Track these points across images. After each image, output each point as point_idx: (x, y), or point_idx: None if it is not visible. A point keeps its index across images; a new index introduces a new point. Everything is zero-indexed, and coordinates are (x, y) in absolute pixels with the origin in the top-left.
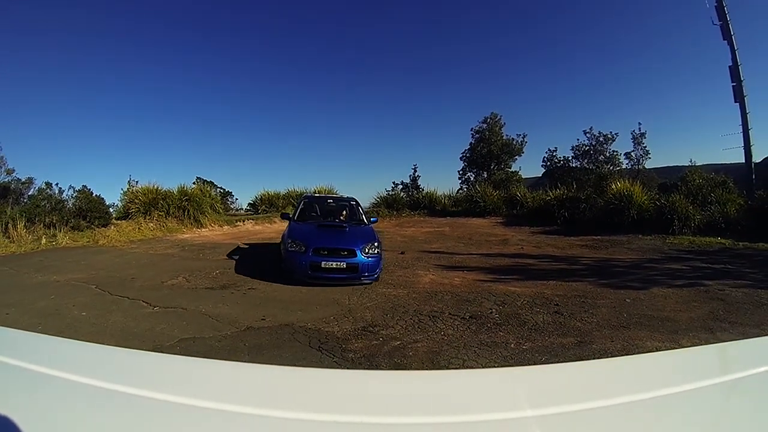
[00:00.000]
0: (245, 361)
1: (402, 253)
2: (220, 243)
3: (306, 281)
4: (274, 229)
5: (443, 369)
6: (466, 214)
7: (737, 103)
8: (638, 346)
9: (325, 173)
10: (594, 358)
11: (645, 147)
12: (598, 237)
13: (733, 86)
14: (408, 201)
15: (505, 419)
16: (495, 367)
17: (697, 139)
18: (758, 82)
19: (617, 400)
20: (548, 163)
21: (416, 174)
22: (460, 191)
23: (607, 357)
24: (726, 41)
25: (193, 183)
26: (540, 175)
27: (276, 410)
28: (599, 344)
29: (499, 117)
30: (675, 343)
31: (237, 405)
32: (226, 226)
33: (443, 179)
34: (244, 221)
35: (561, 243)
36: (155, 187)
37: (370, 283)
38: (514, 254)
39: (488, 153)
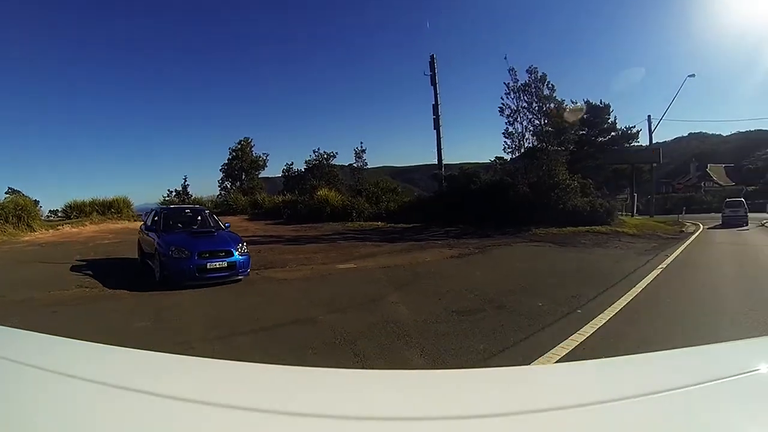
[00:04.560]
0: (245, 362)
1: None
2: (63, 242)
3: (191, 284)
4: (91, 230)
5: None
6: (223, 213)
7: (435, 130)
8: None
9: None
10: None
11: (365, 159)
12: (306, 225)
13: (434, 118)
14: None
15: (505, 419)
16: (494, 367)
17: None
18: (448, 116)
19: (617, 400)
20: (287, 173)
21: (186, 183)
22: (219, 196)
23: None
24: (432, 87)
25: (6, 193)
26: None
27: (276, 410)
28: (293, 256)
29: (250, 140)
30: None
31: (237, 404)
32: (51, 230)
33: (208, 187)
34: (63, 225)
35: (280, 229)
36: None
37: (245, 277)
38: (247, 236)
39: (240, 167)
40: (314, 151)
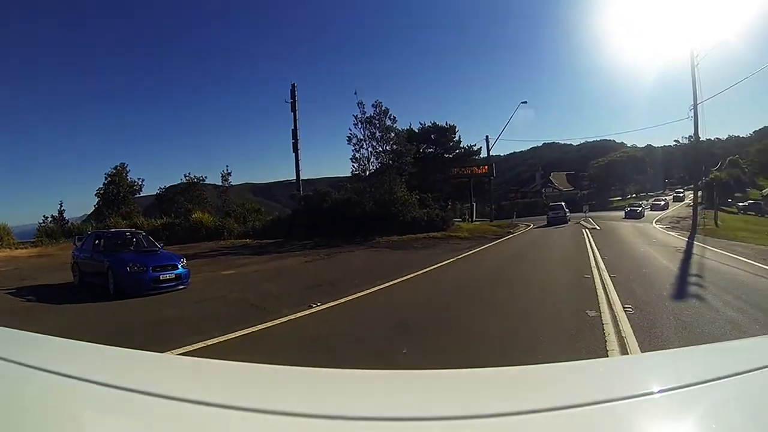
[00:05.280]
0: (246, 362)
1: None
2: None
3: (146, 294)
4: None
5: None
6: None
7: (294, 153)
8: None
9: None
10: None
11: (230, 182)
12: (185, 244)
13: (293, 142)
14: None
15: (505, 419)
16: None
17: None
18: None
19: (617, 400)
20: (162, 197)
21: (62, 209)
22: (96, 220)
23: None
24: (292, 113)
25: None
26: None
27: (276, 410)
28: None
29: (126, 165)
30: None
31: (237, 404)
32: None
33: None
34: None
35: None
36: None
37: (186, 286)
38: None
39: (117, 192)
40: (185, 176)
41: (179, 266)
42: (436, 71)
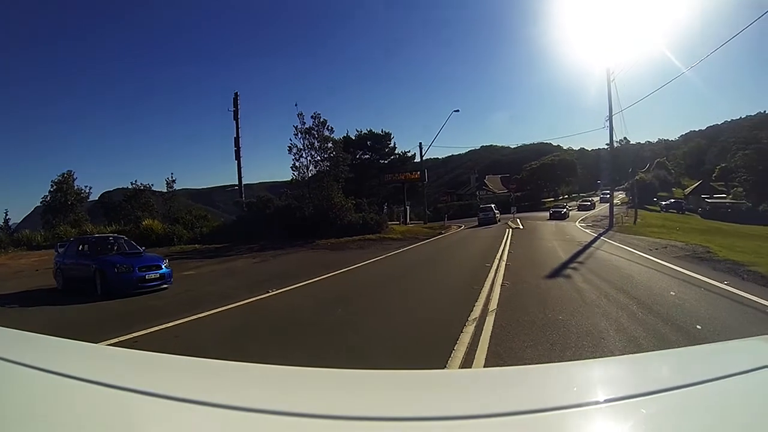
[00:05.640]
0: (245, 362)
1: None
2: None
3: (134, 292)
4: None
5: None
6: (53, 247)
7: (236, 161)
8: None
9: None
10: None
11: (174, 189)
12: None
13: (235, 150)
14: None
15: (504, 419)
16: (494, 367)
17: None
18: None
19: (617, 400)
20: (107, 204)
21: (7, 217)
22: (44, 228)
23: None
24: (234, 121)
25: None
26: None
27: (276, 410)
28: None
29: (73, 172)
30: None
31: (237, 404)
32: None
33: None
34: None
35: None
36: None
37: (170, 284)
38: None
39: (65, 200)
40: (132, 183)
41: (162, 266)
42: (371, 81)
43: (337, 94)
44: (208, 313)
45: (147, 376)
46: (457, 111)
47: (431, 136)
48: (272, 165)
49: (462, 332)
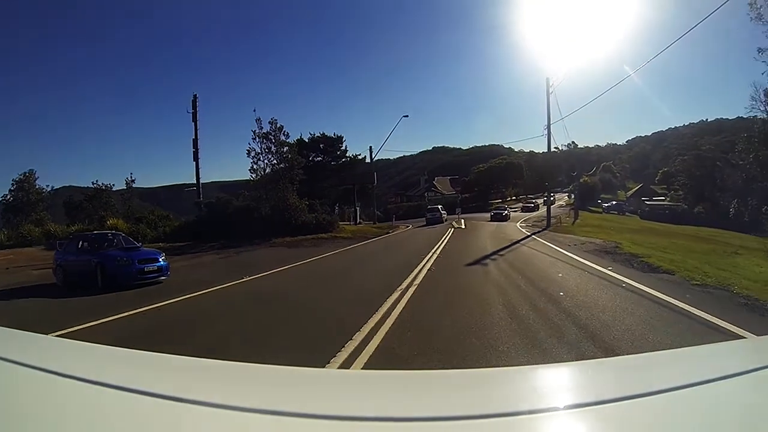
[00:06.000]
0: (245, 362)
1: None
2: None
3: (134, 284)
4: None
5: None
6: (18, 245)
7: (195, 162)
8: None
9: None
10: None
11: (132, 188)
12: None
13: (194, 151)
14: None
15: (505, 419)
16: (494, 367)
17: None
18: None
19: (617, 401)
20: (69, 204)
21: None
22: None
23: None
24: (193, 123)
25: None
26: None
27: (276, 410)
28: None
29: (35, 172)
30: None
31: (237, 405)
32: None
33: None
34: None
35: None
36: None
37: (167, 277)
38: None
39: (28, 200)
40: (93, 183)
41: (160, 260)
42: (326, 84)
43: (291, 96)
44: (193, 294)
45: (147, 376)
46: (407, 116)
47: (383, 136)
48: (226, 165)
49: (388, 297)
